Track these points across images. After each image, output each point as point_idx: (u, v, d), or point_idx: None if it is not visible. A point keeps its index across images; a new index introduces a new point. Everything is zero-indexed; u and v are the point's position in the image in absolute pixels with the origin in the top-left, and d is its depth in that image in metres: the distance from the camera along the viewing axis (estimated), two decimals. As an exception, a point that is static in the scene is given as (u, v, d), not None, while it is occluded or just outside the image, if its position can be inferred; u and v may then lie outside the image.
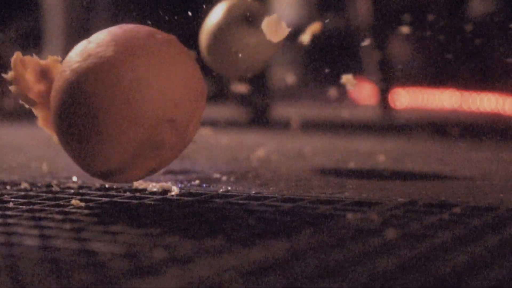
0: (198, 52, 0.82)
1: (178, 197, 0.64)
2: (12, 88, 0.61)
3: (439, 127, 1.45)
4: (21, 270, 0.41)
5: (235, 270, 0.41)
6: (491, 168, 0.85)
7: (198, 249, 0.45)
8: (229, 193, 0.65)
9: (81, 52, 0.58)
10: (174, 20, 0.89)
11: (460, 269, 0.40)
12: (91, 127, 0.57)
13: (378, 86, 1.68)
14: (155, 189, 0.67)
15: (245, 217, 0.55)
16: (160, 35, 0.59)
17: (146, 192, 0.66)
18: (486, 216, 0.54)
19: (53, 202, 0.62)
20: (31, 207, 0.60)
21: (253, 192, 0.66)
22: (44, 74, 0.61)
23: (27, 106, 0.62)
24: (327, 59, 1.91)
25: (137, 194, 0.65)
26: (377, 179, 0.76)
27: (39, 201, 0.62)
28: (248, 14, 0.81)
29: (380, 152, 0.98)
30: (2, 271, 0.41)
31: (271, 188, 0.69)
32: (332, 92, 1.29)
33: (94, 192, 0.66)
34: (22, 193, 0.66)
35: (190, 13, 0.84)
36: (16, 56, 0.61)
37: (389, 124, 1.54)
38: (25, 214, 0.57)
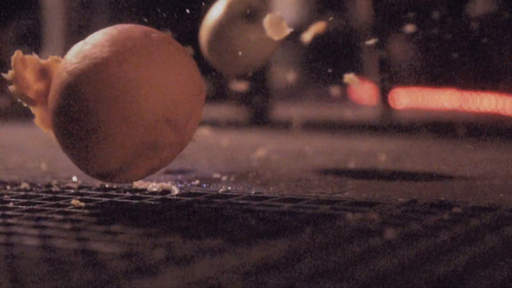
0: (198, 50, 0.82)
1: (178, 197, 0.64)
2: (11, 88, 0.61)
3: (439, 127, 1.45)
4: (21, 270, 0.41)
5: (235, 270, 0.41)
6: (491, 168, 0.85)
7: (198, 249, 0.45)
8: (229, 193, 0.65)
9: (77, 53, 0.58)
10: (174, 19, 0.89)
11: (460, 269, 0.40)
12: (88, 128, 0.57)
13: (378, 86, 1.68)
14: (155, 189, 0.67)
15: (245, 217, 0.55)
16: (156, 34, 0.59)
17: (146, 192, 0.66)
18: (486, 216, 0.54)
19: (53, 202, 0.62)
20: (31, 207, 0.60)
21: (253, 192, 0.66)
22: (44, 73, 0.61)
23: (25, 104, 0.62)
24: (327, 59, 1.92)
25: (137, 194, 0.65)
26: (377, 179, 0.76)
27: (39, 201, 0.62)
28: (248, 10, 0.81)
29: (380, 152, 0.98)
30: (2, 271, 0.41)
31: (271, 188, 0.69)
32: (332, 92, 1.29)
33: (94, 192, 0.66)
34: (22, 193, 0.66)
35: (188, 11, 0.84)
36: (17, 55, 0.61)
37: (389, 124, 1.54)
38: (25, 214, 0.57)
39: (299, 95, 2.19)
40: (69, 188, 0.69)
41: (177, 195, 0.65)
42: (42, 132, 0.63)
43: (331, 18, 1.79)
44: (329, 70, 1.05)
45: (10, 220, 0.55)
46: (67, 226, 0.53)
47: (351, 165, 0.88)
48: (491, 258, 0.43)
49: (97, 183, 0.70)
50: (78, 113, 0.57)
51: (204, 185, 0.71)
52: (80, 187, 0.69)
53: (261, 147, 1.00)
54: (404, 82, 1.86)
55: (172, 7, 0.89)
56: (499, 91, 1.69)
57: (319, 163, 0.90)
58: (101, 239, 0.48)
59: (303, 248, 0.46)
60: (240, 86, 1.11)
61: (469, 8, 1.72)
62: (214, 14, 0.83)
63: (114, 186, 0.69)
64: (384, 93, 1.65)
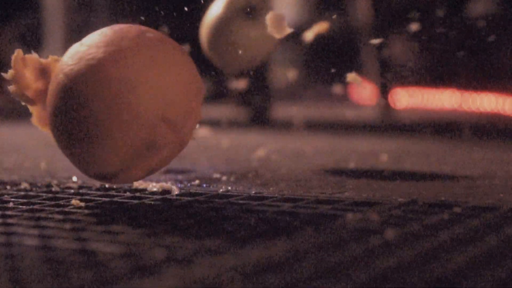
0: (198, 49, 0.82)
1: (178, 197, 0.64)
2: (11, 88, 0.61)
3: (439, 127, 1.45)
4: (21, 270, 0.41)
5: (235, 270, 0.41)
6: (491, 168, 0.85)
7: (198, 249, 0.45)
8: (229, 193, 0.65)
9: (73, 55, 0.58)
10: (173, 18, 0.89)
11: (460, 269, 0.40)
12: (86, 130, 0.56)
13: (378, 86, 1.68)
14: (155, 189, 0.67)
15: (245, 217, 0.55)
16: (152, 33, 0.59)
17: (146, 192, 0.66)
18: (486, 216, 0.54)
19: (53, 202, 0.62)
20: (31, 207, 0.60)
21: (253, 192, 0.66)
22: (43, 73, 0.61)
23: (23, 103, 0.62)
24: (327, 59, 1.92)
25: (137, 194, 0.65)
26: (377, 179, 0.76)
27: (39, 201, 0.62)
28: (248, 7, 0.82)
29: (380, 152, 0.98)
30: (2, 271, 0.41)
31: (271, 188, 0.69)
32: (332, 92, 1.29)
33: (94, 192, 0.66)
34: (22, 193, 0.66)
35: (186, 9, 0.84)
36: (17, 54, 0.61)
37: (389, 124, 1.54)
38: (25, 214, 0.57)
39: (299, 95, 2.19)
40: (69, 188, 0.69)
41: (177, 195, 0.65)
42: (42, 132, 0.63)
43: (334, 16, 1.79)
44: (332, 70, 1.05)
45: (10, 220, 0.55)
46: (67, 226, 0.53)
47: (351, 165, 0.88)
48: (491, 258, 0.43)
49: (97, 183, 0.70)
50: (76, 115, 0.57)
51: (204, 185, 0.71)
52: (80, 187, 0.69)
53: (261, 147, 1.00)
54: (404, 82, 1.86)
55: (172, 5, 0.89)
56: (499, 91, 1.69)
57: (319, 163, 0.90)
58: (101, 239, 0.48)
59: (303, 248, 0.46)
60: (239, 84, 1.11)
61: (469, 8, 1.72)
62: (214, 11, 0.83)
63: (114, 186, 0.69)
64: (384, 93, 1.65)
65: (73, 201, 0.61)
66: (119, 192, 0.66)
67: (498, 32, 1.63)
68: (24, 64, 0.61)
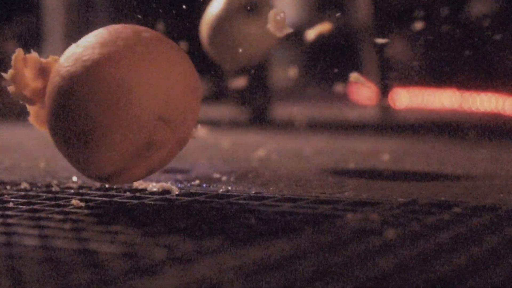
0: (197, 48, 0.82)
1: (178, 197, 0.64)
2: (10, 88, 0.61)
3: (439, 127, 1.45)
4: (21, 270, 0.41)
5: (235, 270, 0.41)
6: (491, 168, 0.85)
7: (198, 249, 0.45)
8: (229, 193, 0.65)
9: (69, 56, 0.58)
10: (173, 16, 0.89)
11: (460, 269, 0.40)
12: (84, 132, 0.56)
13: (378, 86, 1.68)
14: (155, 189, 0.67)
15: (245, 217, 0.55)
16: (148, 33, 0.59)
17: (146, 192, 0.66)
18: (486, 216, 0.54)
19: (53, 202, 0.62)
20: (31, 207, 0.60)
21: (253, 192, 0.66)
22: (43, 72, 0.61)
23: (21, 102, 0.62)
24: (327, 59, 1.92)
25: (137, 194, 0.65)
26: (377, 179, 0.76)
27: (39, 201, 0.62)
28: (249, 4, 0.82)
29: (380, 152, 0.98)
30: (2, 271, 0.41)
31: (271, 188, 0.69)
32: (332, 92, 1.29)
33: (94, 192, 0.66)
34: (22, 193, 0.66)
35: (184, 7, 0.84)
36: (18, 53, 0.61)
37: (389, 124, 1.54)
38: (25, 214, 0.57)
39: (299, 95, 2.19)
40: (69, 188, 0.69)
41: (177, 195, 0.65)
42: (41, 132, 0.63)
43: (337, 14, 1.78)
44: (332, 70, 1.05)
45: (10, 220, 0.55)
46: (67, 226, 0.53)
47: (351, 165, 0.88)
48: (491, 258, 0.43)
49: (97, 183, 0.70)
50: (73, 117, 0.56)
51: (204, 185, 0.71)
52: (80, 187, 0.69)
53: (261, 147, 1.00)
54: (404, 82, 1.86)
55: (171, 4, 0.89)
56: (499, 91, 1.69)
57: (319, 163, 0.90)
58: (101, 239, 0.48)
59: (303, 248, 0.46)
60: (239, 82, 1.11)
61: (470, 8, 1.72)
62: (215, 8, 0.83)
63: (114, 186, 0.68)
64: (384, 93, 1.65)
65: (73, 201, 0.61)
66: (119, 192, 0.66)
67: (498, 32, 1.63)
68: (25, 64, 0.61)
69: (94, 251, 0.45)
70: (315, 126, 1.44)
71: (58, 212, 0.58)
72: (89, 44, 0.58)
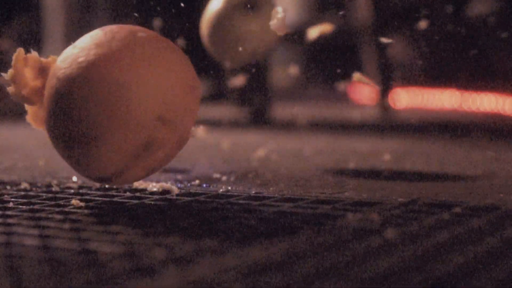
0: (198, 47, 0.82)
1: (178, 197, 0.64)
2: (10, 89, 0.61)
3: (439, 127, 1.45)
4: (21, 270, 0.41)
5: (235, 270, 0.41)
6: (491, 168, 0.85)
7: (198, 249, 0.45)
8: (229, 193, 0.65)
9: (66, 58, 0.58)
10: (173, 16, 0.89)
11: (460, 269, 0.40)
12: (82, 133, 0.56)
13: (378, 86, 1.68)
14: (155, 189, 0.67)
15: (245, 217, 0.55)
16: (143, 33, 0.59)
17: (146, 192, 0.66)
18: (486, 216, 0.54)
19: (53, 202, 0.62)
20: (31, 207, 0.60)
21: (253, 192, 0.66)
22: (43, 72, 0.61)
23: (21, 102, 0.62)
24: (328, 59, 1.91)
25: (137, 194, 0.65)
26: (377, 179, 0.76)
27: (39, 201, 0.62)
28: (248, 0, 0.82)
29: (380, 152, 0.98)
30: (2, 271, 0.41)
31: (271, 188, 0.69)
32: (333, 92, 1.29)
33: (94, 192, 0.66)
34: (22, 193, 0.66)
35: (182, 5, 0.84)
36: (18, 53, 0.61)
37: (389, 124, 1.54)
38: (25, 214, 0.57)
39: (299, 95, 2.19)
40: (69, 188, 0.69)
41: (177, 195, 0.65)
42: (41, 132, 0.63)
43: (341, 13, 1.78)
44: (332, 70, 1.06)
45: (10, 220, 0.55)
46: (67, 226, 0.53)
47: (351, 165, 0.88)
48: (491, 258, 0.43)
49: (97, 183, 0.70)
50: (71, 119, 0.56)
51: (204, 185, 0.71)
52: (80, 187, 0.69)
53: (261, 147, 1.00)
54: (404, 82, 1.86)
55: (171, 4, 0.89)
56: (499, 91, 1.69)
57: (319, 163, 0.90)
58: (101, 239, 0.48)
59: (303, 248, 0.46)
60: (238, 80, 1.11)
61: (469, 8, 1.72)
62: (214, 5, 0.83)
63: (114, 186, 0.68)
64: (384, 93, 1.65)
65: (73, 201, 0.61)
66: (119, 192, 0.66)
67: (498, 31, 1.63)
68: (25, 64, 0.61)
69: (94, 251, 0.45)
70: (315, 126, 1.44)
71: (58, 212, 0.58)
72: (84, 45, 0.58)
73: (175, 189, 0.66)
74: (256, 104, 1.57)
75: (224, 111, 1.67)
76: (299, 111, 1.73)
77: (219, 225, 0.53)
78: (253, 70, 1.32)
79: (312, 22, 0.84)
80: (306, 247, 0.46)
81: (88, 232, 0.50)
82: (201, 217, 0.55)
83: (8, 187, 0.69)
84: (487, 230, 0.50)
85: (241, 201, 0.62)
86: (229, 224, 0.53)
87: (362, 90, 1.94)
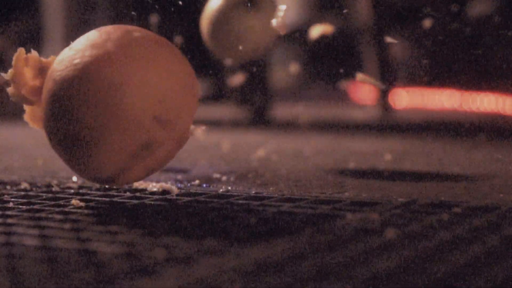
0: (198, 47, 0.82)
1: (178, 197, 0.64)
2: (9, 90, 0.61)
3: (439, 127, 1.45)
4: (21, 270, 0.41)
5: (235, 270, 0.41)
6: (491, 168, 0.85)
7: (198, 249, 0.45)
8: (229, 193, 0.65)
9: (61, 60, 0.58)
10: (173, 16, 0.89)
11: (460, 269, 0.40)
12: (79, 136, 0.56)
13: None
14: (155, 189, 0.67)
15: (245, 217, 0.55)
16: (139, 33, 0.59)
17: (146, 192, 0.66)
18: (486, 216, 0.54)
19: (53, 202, 0.62)
20: (31, 207, 0.60)
21: (253, 192, 0.66)
22: (42, 72, 0.61)
23: (20, 103, 0.62)
24: (328, 59, 1.91)
25: (137, 194, 0.65)
26: (377, 179, 0.76)
27: (39, 201, 0.62)
28: None
29: (380, 152, 0.98)
30: (2, 271, 0.41)
31: (271, 188, 0.69)
32: (333, 92, 1.29)
33: (94, 192, 0.66)
34: (22, 193, 0.66)
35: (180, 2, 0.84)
36: (19, 53, 0.61)
37: (389, 124, 1.54)
38: (25, 214, 0.57)
39: (299, 95, 2.19)
40: (69, 188, 0.69)
41: (177, 195, 0.65)
42: (41, 132, 0.63)
43: (345, 11, 1.78)
44: (337, 70, 1.06)
45: (10, 220, 0.55)
46: (67, 226, 0.53)
47: (351, 165, 0.88)
48: (491, 258, 0.43)
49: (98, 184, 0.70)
50: (68, 121, 0.56)
51: (204, 185, 0.71)
52: (80, 187, 0.69)
53: (261, 147, 1.00)
54: (404, 82, 1.86)
55: (171, 4, 0.89)
56: (499, 91, 1.69)
57: (319, 163, 0.90)
58: (101, 239, 0.48)
59: (303, 248, 0.46)
60: (237, 79, 1.11)
61: (470, 8, 1.72)
62: (214, 2, 0.83)
63: (114, 186, 0.68)
64: (384, 93, 1.65)
65: (73, 201, 0.61)
66: (119, 192, 0.66)
67: (498, 31, 1.63)
68: (26, 64, 0.61)
69: (94, 251, 0.45)
70: (315, 126, 1.44)
71: (58, 212, 0.58)
72: (80, 47, 0.58)
73: (175, 189, 0.66)
74: (256, 104, 1.57)
75: (224, 111, 1.67)
76: (299, 111, 1.73)
77: (219, 225, 0.53)
78: (254, 69, 1.32)
79: (312, 22, 0.84)
80: (306, 247, 0.46)
81: (88, 232, 0.50)
82: (201, 217, 0.55)
83: (8, 187, 0.69)
84: (487, 230, 0.50)
85: (241, 201, 0.62)
86: (229, 224, 0.53)
87: (363, 90, 1.94)
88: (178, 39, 0.90)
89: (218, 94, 1.94)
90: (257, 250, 0.45)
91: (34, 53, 0.61)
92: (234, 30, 0.82)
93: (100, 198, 0.63)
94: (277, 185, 0.71)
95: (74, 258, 0.44)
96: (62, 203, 0.61)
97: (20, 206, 0.60)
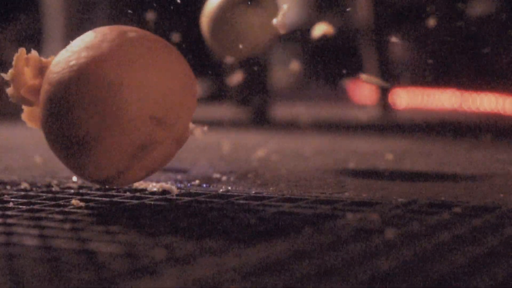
0: (199, 48, 0.82)
1: (178, 197, 0.64)
2: (9, 90, 0.61)
3: (439, 127, 1.45)
4: (21, 270, 0.41)
5: (235, 270, 0.41)
6: (491, 168, 0.85)
7: (198, 249, 0.45)
8: (229, 193, 0.65)
9: (58, 63, 0.58)
10: (173, 16, 0.89)
11: (460, 269, 0.40)
12: (77, 138, 0.56)
13: (377, 86, 1.68)
14: (155, 189, 0.67)
15: (245, 217, 0.55)
16: (134, 33, 0.59)
17: (146, 192, 0.66)
18: (486, 216, 0.54)
19: (53, 202, 0.62)
20: (31, 207, 0.60)
21: (253, 192, 0.66)
22: (42, 71, 0.61)
23: (19, 104, 0.62)
24: (328, 59, 1.91)
25: (137, 194, 0.65)
26: (377, 179, 0.76)
27: (39, 201, 0.62)
28: None
29: (380, 152, 0.98)
30: (2, 271, 0.41)
31: (271, 188, 0.69)
32: (332, 92, 1.29)
33: (94, 192, 0.66)
34: (22, 193, 0.66)
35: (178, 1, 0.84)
36: (20, 53, 0.61)
37: (389, 124, 1.54)
38: (25, 214, 0.57)
39: (299, 95, 2.19)
40: (69, 188, 0.69)
41: (177, 195, 0.65)
42: (40, 132, 0.63)
43: (349, 9, 1.78)
44: (338, 70, 1.05)
45: (10, 220, 0.55)
46: (67, 226, 0.53)
47: (351, 165, 0.88)
48: (491, 258, 0.43)
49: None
50: (65, 123, 0.56)
51: (204, 185, 0.71)
52: (80, 187, 0.69)
53: (261, 147, 1.00)
54: (404, 82, 1.86)
55: (171, 3, 0.89)
56: (499, 91, 1.69)
57: (319, 163, 0.90)
58: (101, 239, 0.48)
59: (303, 248, 0.46)
60: (236, 77, 1.11)
61: (470, 8, 1.72)
62: (214, 0, 0.83)
63: (114, 186, 0.68)
64: (384, 93, 1.65)
65: (73, 201, 0.61)
66: (119, 192, 0.66)
67: (498, 32, 1.63)
68: (26, 64, 0.61)
69: (94, 251, 0.45)
70: (315, 126, 1.44)
71: (58, 212, 0.58)
72: (75, 49, 0.58)
73: (175, 189, 0.66)
74: (256, 104, 1.57)
75: (224, 111, 1.67)
76: (299, 111, 1.73)
77: (219, 225, 0.53)
78: (254, 69, 1.32)
79: (312, 21, 0.84)
80: (306, 247, 0.46)
81: (88, 232, 0.50)
82: (201, 217, 0.55)
83: (8, 187, 0.69)
84: (487, 230, 0.50)
85: (241, 201, 0.62)
86: (229, 224, 0.53)
87: (362, 90, 1.94)
88: (178, 39, 0.90)
89: (218, 94, 1.94)
90: (257, 250, 0.45)
91: (34, 53, 0.61)
92: (234, 28, 0.82)
93: (100, 198, 0.63)
94: (277, 185, 0.71)
95: (74, 258, 0.44)
96: (62, 203, 0.61)
97: (20, 206, 0.60)
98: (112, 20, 1.86)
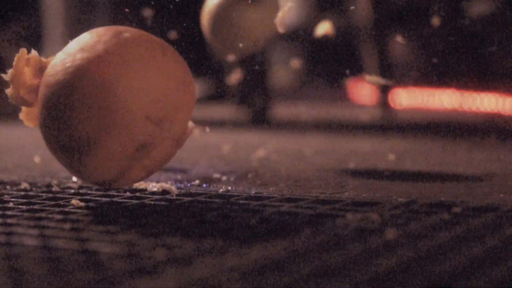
0: (198, 48, 0.82)
1: (178, 197, 0.64)
2: (8, 91, 0.61)
3: (439, 127, 1.45)
4: (21, 270, 0.41)
5: (235, 270, 0.41)
6: (491, 168, 0.85)
7: (198, 249, 0.45)
8: (229, 193, 0.65)
9: (54, 65, 0.58)
10: (174, 16, 0.89)
11: (460, 269, 0.40)
12: (75, 140, 0.56)
13: (378, 86, 1.68)
14: (155, 189, 0.67)
15: (245, 217, 0.55)
16: (129, 33, 0.58)
17: (146, 192, 0.66)
18: (486, 216, 0.54)
19: (53, 202, 0.62)
20: (31, 207, 0.60)
21: (253, 192, 0.66)
22: (41, 71, 0.61)
23: (19, 104, 0.62)
24: (328, 59, 1.91)
25: (137, 194, 0.65)
26: (377, 179, 0.76)
27: (39, 201, 0.62)
28: None
29: (379, 152, 0.98)
30: (2, 271, 0.41)
31: (271, 188, 0.69)
32: (332, 92, 1.29)
33: (94, 192, 0.66)
34: (22, 193, 0.66)
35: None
36: (21, 53, 0.61)
37: (389, 124, 1.54)
38: (25, 214, 0.57)
39: (299, 95, 2.19)
40: (69, 188, 0.69)
41: (177, 195, 0.65)
42: (39, 131, 0.63)
43: (352, 7, 1.78)
44: (341, 71, 1.05)
45: (10, 220, 0.55)
46: (67, 226, 0.53)
47: (351, 165, 0.88)
48: (491, 258, 0.43)
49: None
50: (62, 125, 0.56)
51: (204, 185, 0.71)
52: (80, 187, 0.69)
53: (261, 147, 1.00)
54: (404, 82, 1.86)
55: (172, 3, 0.89)
56: (499, 91, 1.69)
57: (319, 163, 0.90)
58: (101, 239, 0.48)
59: (303, 248, 0.46)
60: (235, 76, 1.11)
61: (470, 8, 1.72)
62: None
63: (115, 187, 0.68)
64: (384, 93, 1.65)
65: (73, 201, 0.61)
66: (119, 192, 0.66)
67: (498, 32, 1.63)
68: (27, 64, 0.61)
69: (94, 251, 0.45)
70: (315, 126, 1.44)
71: (58, 212, 0.58)
72: (71, 51, 0.58)
73: (175, 189, 0.66)
74: (256, 104, 1.57)
75: (224, 111, 1.67)
76: (299, 111, 1.73)
77: (219, 225, 0.53)
78: (254, 68, 1.32)
79: (312, 21, 0.84)
80: (306, 247, 0.46)
81: (88, 232, 0.50)
82: (201, 217, 0.55)
83: (8, 187, 0.69)
84: (487, 230, 0.50)
85: (241, 201, 0.62)
86: (229, 224, 0.53)
87: (362, 90, 1.94)
88: (178, 39, 0.90)
89: (218, 94, 1.94)
90: (257, 250, 0.45)
91: (34, 53, 0.61)
92: (235, 25, 0.82)
93: (100, 198, 0.63)
94: (277, 185, 0.71)
95: (74, 258, 0.44)
96: (62, 203, 0.61)
97: (20, 206, 0.60)
98: (113, 20, 1.85)
